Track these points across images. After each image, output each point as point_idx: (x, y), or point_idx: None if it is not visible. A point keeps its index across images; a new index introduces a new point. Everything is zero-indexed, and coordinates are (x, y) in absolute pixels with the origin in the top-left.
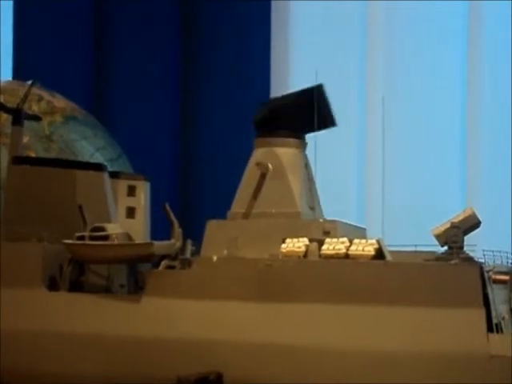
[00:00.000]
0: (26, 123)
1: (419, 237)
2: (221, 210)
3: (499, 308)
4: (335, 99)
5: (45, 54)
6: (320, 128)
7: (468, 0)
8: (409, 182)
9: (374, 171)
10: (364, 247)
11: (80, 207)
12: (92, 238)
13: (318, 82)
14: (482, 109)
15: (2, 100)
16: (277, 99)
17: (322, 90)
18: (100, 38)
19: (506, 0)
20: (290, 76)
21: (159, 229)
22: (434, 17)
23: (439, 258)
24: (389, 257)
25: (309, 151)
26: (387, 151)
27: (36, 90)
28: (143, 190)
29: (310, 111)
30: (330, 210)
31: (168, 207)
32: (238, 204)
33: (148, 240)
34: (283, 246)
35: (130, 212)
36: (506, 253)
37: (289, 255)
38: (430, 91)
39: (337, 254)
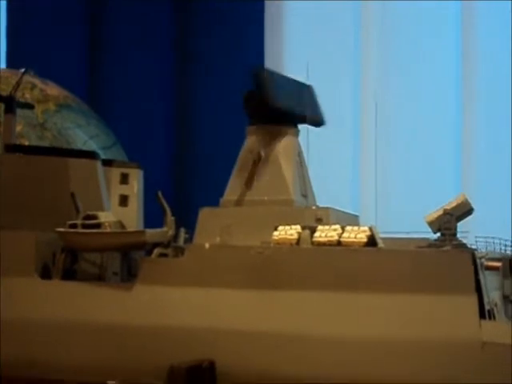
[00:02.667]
0: (20, 111)
1: (412, 224)
2: (214, 198)
3: (491, 295)
4: (328, 94)
5: (39, 42)
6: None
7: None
8: (402, 169)
9: (367, 159)
10: (356, 234)
11: (72, 195)
12: (84, 226)
13: (310, 77)
14: (476, 97)
15: None
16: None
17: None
18: (94, 26)
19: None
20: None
21: (152, 217)
22: (427, 15)
23: (432, 244)
24: (381, 244)
25: (301, 139)
26: (380, 139)
27: (29, 78)
28: (136, 177)
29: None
30: (323, 198)
31: (161, 195)
32: (231, 191)
33: (141, 228)
34: (275, 233)
35: (123, 200)
36: (499, 239)
37: (281, 242)
38: (424, 85)
39: (329, 241)
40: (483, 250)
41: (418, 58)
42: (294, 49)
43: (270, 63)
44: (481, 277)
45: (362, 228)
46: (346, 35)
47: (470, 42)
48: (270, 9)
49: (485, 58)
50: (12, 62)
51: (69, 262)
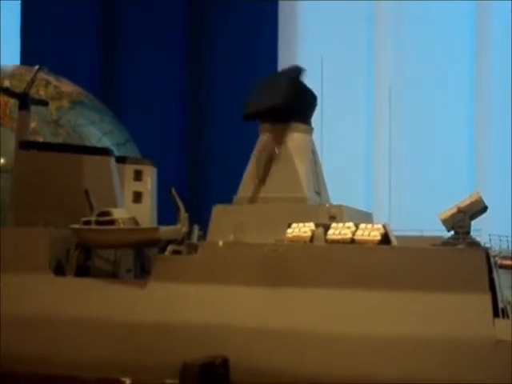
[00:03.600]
0: (34, 108)
1: (426, 221)
2: (227, 195)
3: (505, 293)
4: (343, 86)
5: (53, 39)
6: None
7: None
8: (415, 167)
9: (380, 156)
10: (370, 232)
11: (86, 192)
12: (98, 223)
13: (324, 73)
14: (489, 95)
15: (10, 85)
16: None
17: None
18: (108, 22)
19: None
20: (297, 62)
21: (166, 214)
22: (442, 6)
23: (445, 242)
24: (395, 242)
25: (315, 136)
26: (394, 136)
27: (43, 75)
28: (150, 174)
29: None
30: (336, 195)
31: (174, 192)
32: (244, 189)
33: (154, 225)
34: (289, 230)
35: (137, 197)
36: None
37: (295, 240)
38: (438, 78)
39: (343, 238)
40: (497, 249)
41: (432, 51)
42: (308, 44)
43: (283, 56)
44: (494, 275)
45: (375, 226)
46: (360, 27)
47: (484, 34)
48: (283, 8)
49: (498, 52)
50: (26, 59)
51: (82, 259)
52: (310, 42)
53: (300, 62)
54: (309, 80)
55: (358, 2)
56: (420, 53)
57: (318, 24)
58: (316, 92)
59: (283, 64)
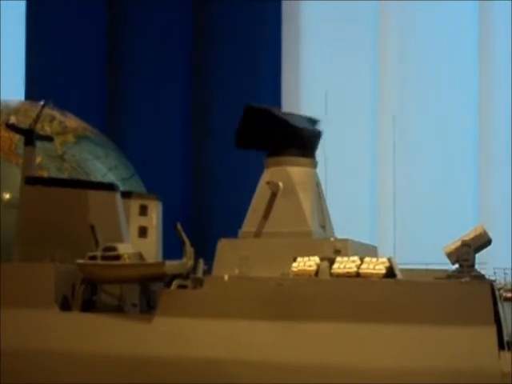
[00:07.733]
0: (40, 143)
1: (431, 255)
2: (232, 229)
3: (510, 325)
4: (347, 117)
5: (58, 73)
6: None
7: (479, 0)
8: (420, 200)
9: (385, 190)
10: (375, 266)
11: (92, 227)
12: (104, 258)
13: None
14: (494, 127)
15: (15, 121)
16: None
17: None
18: (112, 57)
19: None
20: (301, 96)
21: (171, 248)
22: (448, 34)
23: (450, 275)
24: (400, 275)
25: (320, 170)
26: (399, 170)
27: (48, 111)
28: (155, 209)
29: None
30: (341, 229)
31: (179, 226)
32: (249, 223)
33: (160, 259)
34: (294, 264)
35: (142, 231)
36: None
37: (300, 274)
38: (443, 110)
39: (348, 272)
40: (502, 281)
41: (437, 82)
42: (312, 68)
43: (287, 85)
44: (499, 308)
45: (380, 259)
46: (364, 57)
47: (489, 62)
48: (287, 29)
49: (504, 81)
50: (30, 93)
51: (88, 294)
52: (312, 61)
53: (303, 87)
54: (312, 108)
55: (361, 31)
56: (425, 81)
57: (320, 56)
58: (320, 122)
59: (286, 90)
